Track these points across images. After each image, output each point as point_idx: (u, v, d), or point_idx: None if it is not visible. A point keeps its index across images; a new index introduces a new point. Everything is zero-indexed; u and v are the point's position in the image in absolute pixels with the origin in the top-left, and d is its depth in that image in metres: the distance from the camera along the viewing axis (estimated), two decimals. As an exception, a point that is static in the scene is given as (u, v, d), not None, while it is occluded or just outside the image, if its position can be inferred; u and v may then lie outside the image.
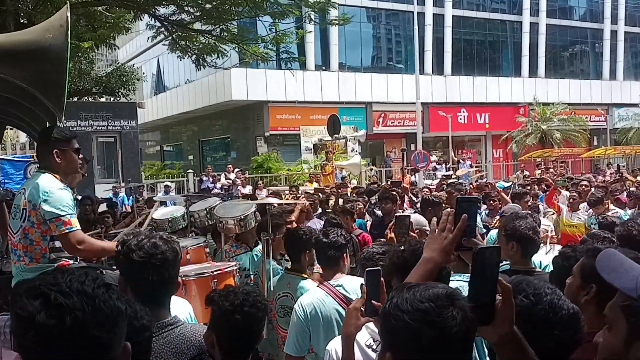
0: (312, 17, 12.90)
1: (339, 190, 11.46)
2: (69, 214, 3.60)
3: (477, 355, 2.74)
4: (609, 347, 1.34)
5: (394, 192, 8.53)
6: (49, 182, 3.66)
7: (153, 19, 11.74)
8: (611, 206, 8.43)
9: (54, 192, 3.61)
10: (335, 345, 2.68)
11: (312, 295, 3.66)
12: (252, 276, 4.93)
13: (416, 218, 6.03)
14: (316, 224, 7.04)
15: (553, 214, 8.85)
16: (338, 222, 6.03)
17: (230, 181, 20.01)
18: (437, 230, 1.97)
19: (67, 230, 3.57)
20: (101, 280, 1.31)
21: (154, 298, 2.38)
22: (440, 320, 1.42)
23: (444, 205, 7.20)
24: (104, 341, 1.25)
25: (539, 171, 19.84)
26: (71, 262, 3.76)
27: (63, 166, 3.79)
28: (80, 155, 3.95)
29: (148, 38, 14.30)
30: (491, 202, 8.47)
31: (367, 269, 2.40)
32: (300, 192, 12.40)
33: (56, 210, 3.57)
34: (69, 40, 3.49)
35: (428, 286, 1.52)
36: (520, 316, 1.81)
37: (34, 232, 3.67)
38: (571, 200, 8.20)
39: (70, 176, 3.88)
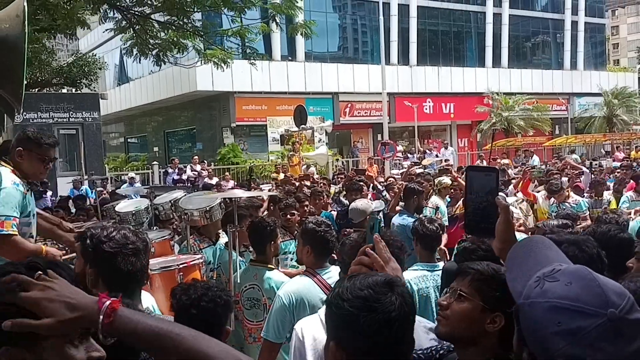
0: (277, 20, 12.93)
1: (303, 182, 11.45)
2: (5, 216, 3.42)
3: None
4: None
5: (361, 183, 8.55)
6: (2, 178, 3.53)
7: (113, 10, 11.48)
8: (572, 194, 8.63)
9: (2, 189, 3.48)
10: (302, 324, 2.62)
11: (297, 282, 3.61)
12: (215, 270, 4.91)
13: (363, 204, 6.14)
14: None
15: (522, 201, 8.96)
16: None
17: (196, 173, 19.83)
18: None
19: None
20: None
21: (126, 289, 2.37)
22: (378, 306, 1.45)
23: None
24: None
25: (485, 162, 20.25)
26: None
27: (23, 167, 3.67)
28: (49, 165, 3.78)
29: (105, 30, 14.00)
30: (452, 190, 8.57)
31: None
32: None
33: None
34: (27, 30, 3.41)
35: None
36: None
37: None
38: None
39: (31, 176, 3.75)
